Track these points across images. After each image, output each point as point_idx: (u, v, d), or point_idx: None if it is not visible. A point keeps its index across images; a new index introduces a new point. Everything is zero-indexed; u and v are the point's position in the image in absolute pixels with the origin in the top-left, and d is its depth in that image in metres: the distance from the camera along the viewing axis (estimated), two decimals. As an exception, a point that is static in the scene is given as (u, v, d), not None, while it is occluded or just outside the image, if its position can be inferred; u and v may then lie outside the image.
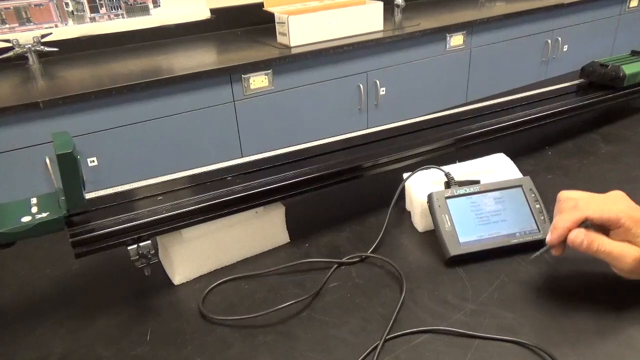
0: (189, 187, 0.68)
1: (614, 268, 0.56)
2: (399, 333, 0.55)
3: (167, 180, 0.69)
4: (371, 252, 0.69)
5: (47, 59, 2.02)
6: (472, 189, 0.68)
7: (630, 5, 3.01)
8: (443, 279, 0.64)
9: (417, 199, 0.72)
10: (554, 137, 0.99)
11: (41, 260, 0.73)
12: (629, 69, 0.98)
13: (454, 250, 0.64)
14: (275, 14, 2.07)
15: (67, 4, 2.04)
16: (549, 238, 0.57)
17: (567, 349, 0.52)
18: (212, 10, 2.36)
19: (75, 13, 2.07)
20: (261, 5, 2.18)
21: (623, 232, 0.54)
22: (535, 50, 2.69)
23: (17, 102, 1.55)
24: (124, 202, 0.65)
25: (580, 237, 0.54)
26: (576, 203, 0.56)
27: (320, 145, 0.79)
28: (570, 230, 0.55)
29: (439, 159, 0.78)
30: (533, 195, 0.68)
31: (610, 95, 0.99)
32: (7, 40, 1.94)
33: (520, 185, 0.69)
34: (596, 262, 0.63)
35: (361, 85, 2.17)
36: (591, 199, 0.57)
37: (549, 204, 0.67)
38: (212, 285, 0.65)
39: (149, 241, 0.61)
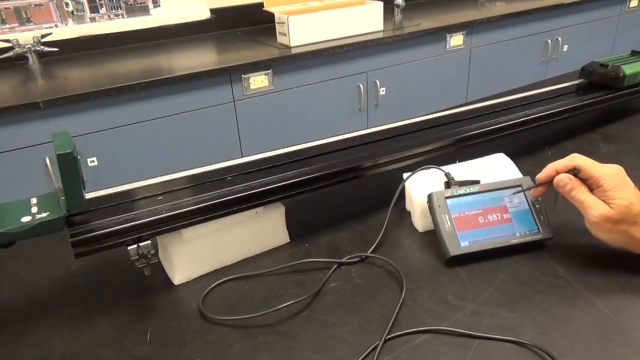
0: (189, 187, 0.68)
1: (585, 222, 0.62)
2: (398, 333, 0.55)
3: (167, 180, 0.69)
4: (371, 252, 0.69)
5: (47, 59, 2.02)
6: (472, 189, 0.68)
7: (630, 5, 3.01)
8: (443, 279, 0.64)
9: (417, 199, 0.72)
10: (554, 137, 0.99)
11: (41, 260, 0.73)
12: (629, 69, 0.98)
13: (454, 250, 0.64)
14: (275, 14, 2.07)
15: (67, 4, 2.04)
16: (538, 175, 0.65)
17: (567, 349, 0.52)
18: (212, 10, 2.36)
19: (75, 13, 2.07)
20: (261, 5, 2.17)
21: (600, 192, 0.60)
22: (535, 50, 2.69)
23: (17, 102, 1.55)
24: (123, 202, 0.65)
25: (565, 180, 0.61)
26: (574, 154, 0.63)
27: (320, 145, 0.79)
28: (558, 172, 0.62)
29: (439, 159, 0.78)
30: (533, 195, 0.68)
31: (610, 95, 0.99)
32: (7, 40, 1.94)
33: (520, 185, 0.69)
34: (596, 262, 0.64)
35: (361, 85, 2.17)
36: (589, 159, 0.62)
37: (549, 203, 0.67)
38: (212, 285, 0.65)
39: (149, 241, 0.61)
